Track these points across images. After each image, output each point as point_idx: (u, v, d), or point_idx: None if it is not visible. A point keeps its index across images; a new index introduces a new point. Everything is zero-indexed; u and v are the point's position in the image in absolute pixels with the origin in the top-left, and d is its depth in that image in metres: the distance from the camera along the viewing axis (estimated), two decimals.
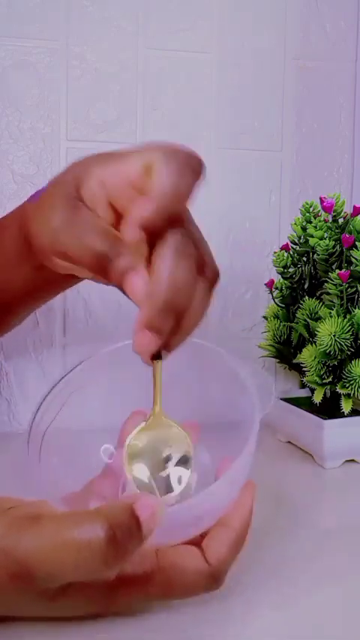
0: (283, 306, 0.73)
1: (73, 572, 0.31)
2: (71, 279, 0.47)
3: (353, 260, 0.65)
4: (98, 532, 0.31)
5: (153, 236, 0.38)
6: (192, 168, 0.38)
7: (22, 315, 0.56)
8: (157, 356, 0.38)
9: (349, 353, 0.64)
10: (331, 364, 0.65)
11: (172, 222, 0.38)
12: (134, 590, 0.35)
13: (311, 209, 0.70)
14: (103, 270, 0.38)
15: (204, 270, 0.40)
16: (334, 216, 0.68)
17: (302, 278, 0.71)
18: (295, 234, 0.71)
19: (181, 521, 0.35)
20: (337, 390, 0.65)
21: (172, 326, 0.37)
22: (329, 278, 0.66)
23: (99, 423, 0.44)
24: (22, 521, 0.32)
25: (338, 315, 0.64)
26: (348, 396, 0.65)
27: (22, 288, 0.49)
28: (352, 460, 0.66)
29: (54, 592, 0.33)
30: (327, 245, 0.66)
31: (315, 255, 0.67)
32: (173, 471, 0.40)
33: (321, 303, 0.68)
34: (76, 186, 0.39)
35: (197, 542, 0.37)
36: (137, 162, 0.38)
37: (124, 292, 0.38)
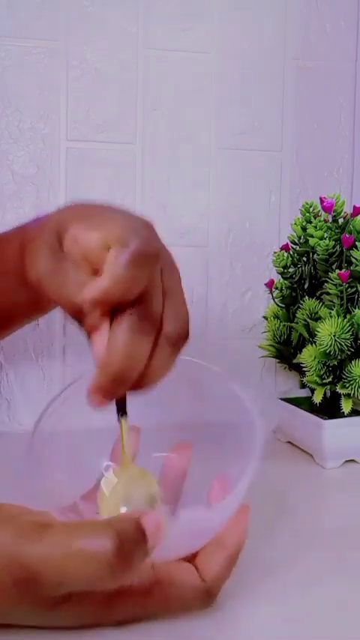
0: (283, 306, 0.73)
1: (80, 581, 0.32)
2: None
3: (353, 260, 0.65)
4: (106, 543, 0.31)
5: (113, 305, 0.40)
6: (146, 258, 0.38)
7: (23, 322, 0.58)
8: (121, 411, 0.41)
9: (349, 353, 0.64)
10: (331, 364, 0.65)
11: (129, 301, 0.39)
12: (132, 602, 0.35)
13: (311, 209, 0.70)
14: (79, 319, 0.41)
15: (166, 333, 0.41)
16: (334, 216, 0.68)
17: (302, 278, 0.71)
18: (295, 234, 0.71)
19: (178, 538, 0.36)
20: (337, 390, 0.65)
21: (124, 392, 0.41)
22: (329, 278, 0.66)
23: (100, 425, 0.45)
24: (31, 528, 0.33)
25: (338, 315, 0.64)
26: (348, 396, 0.65)
27: (23, 298, 0.51)
28: (352, 460, 0.66)
29: (54, 601, 0.33)
30: (327, 245, 0.66)
31: (315, 255, 0.67)
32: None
33: (321, 303, 0.68)
34: (58, 237, 0.41)
35: (189, 559, 0.37)
36: (98, 236, 0.40)
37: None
